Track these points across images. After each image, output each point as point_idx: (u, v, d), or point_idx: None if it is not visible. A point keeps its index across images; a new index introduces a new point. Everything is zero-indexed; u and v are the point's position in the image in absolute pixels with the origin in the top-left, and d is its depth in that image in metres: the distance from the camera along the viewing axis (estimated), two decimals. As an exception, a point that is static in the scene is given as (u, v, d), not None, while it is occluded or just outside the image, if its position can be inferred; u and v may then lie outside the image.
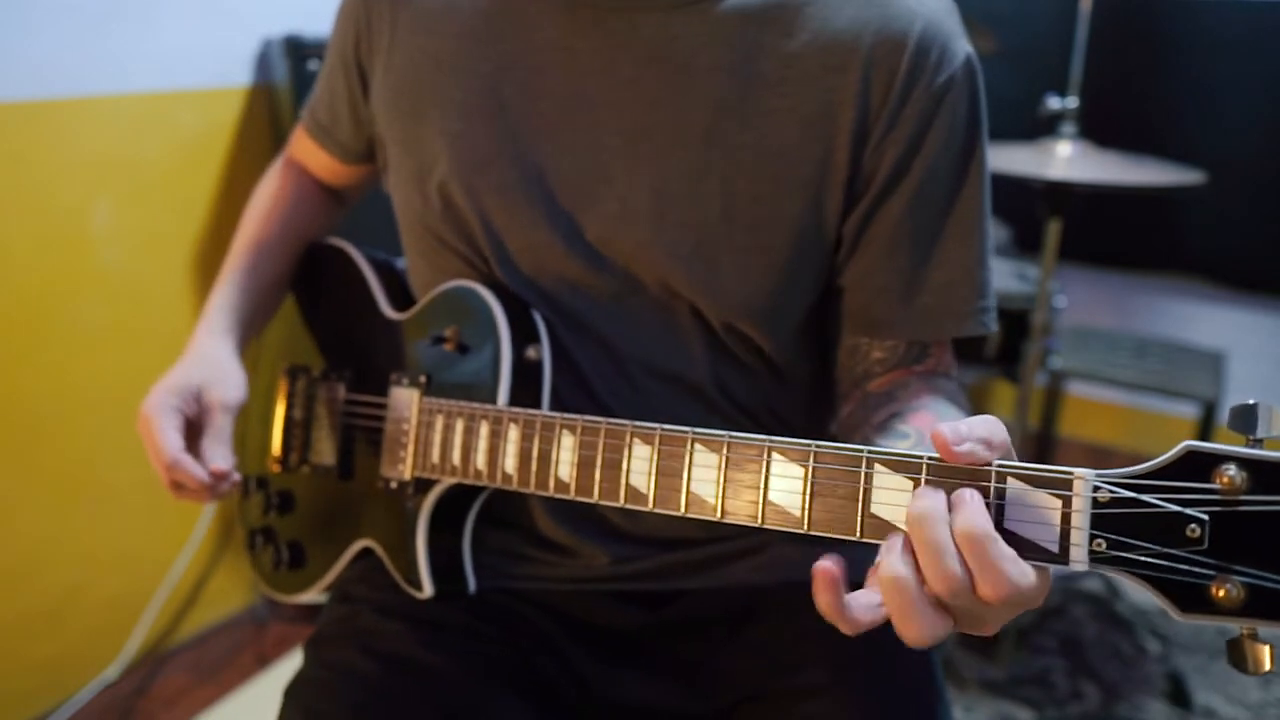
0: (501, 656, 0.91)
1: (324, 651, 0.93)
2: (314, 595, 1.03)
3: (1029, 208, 1.95)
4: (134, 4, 1.68)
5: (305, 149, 1.10)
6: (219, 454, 0.92)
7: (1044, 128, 1.93)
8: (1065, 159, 1.86)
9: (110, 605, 1.84)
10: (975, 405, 3.01)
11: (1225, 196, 2.44)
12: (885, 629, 0.84)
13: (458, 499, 0.91)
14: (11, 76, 1.55)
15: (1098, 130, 1.97)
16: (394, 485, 0.92)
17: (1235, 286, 2.70)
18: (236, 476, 0.92)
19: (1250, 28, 2.50)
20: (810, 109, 0.82)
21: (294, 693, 0.90)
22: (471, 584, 0.93)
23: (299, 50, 1.86)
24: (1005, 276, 2.14)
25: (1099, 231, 2.69)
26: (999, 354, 2.02)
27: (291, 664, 1.93)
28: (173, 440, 0.90)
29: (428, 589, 0.90)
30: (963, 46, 0.83)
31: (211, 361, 0.97)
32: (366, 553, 0.97)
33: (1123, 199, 2.45)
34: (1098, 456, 2.99)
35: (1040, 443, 2.54)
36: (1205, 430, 2.18)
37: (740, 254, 0.84)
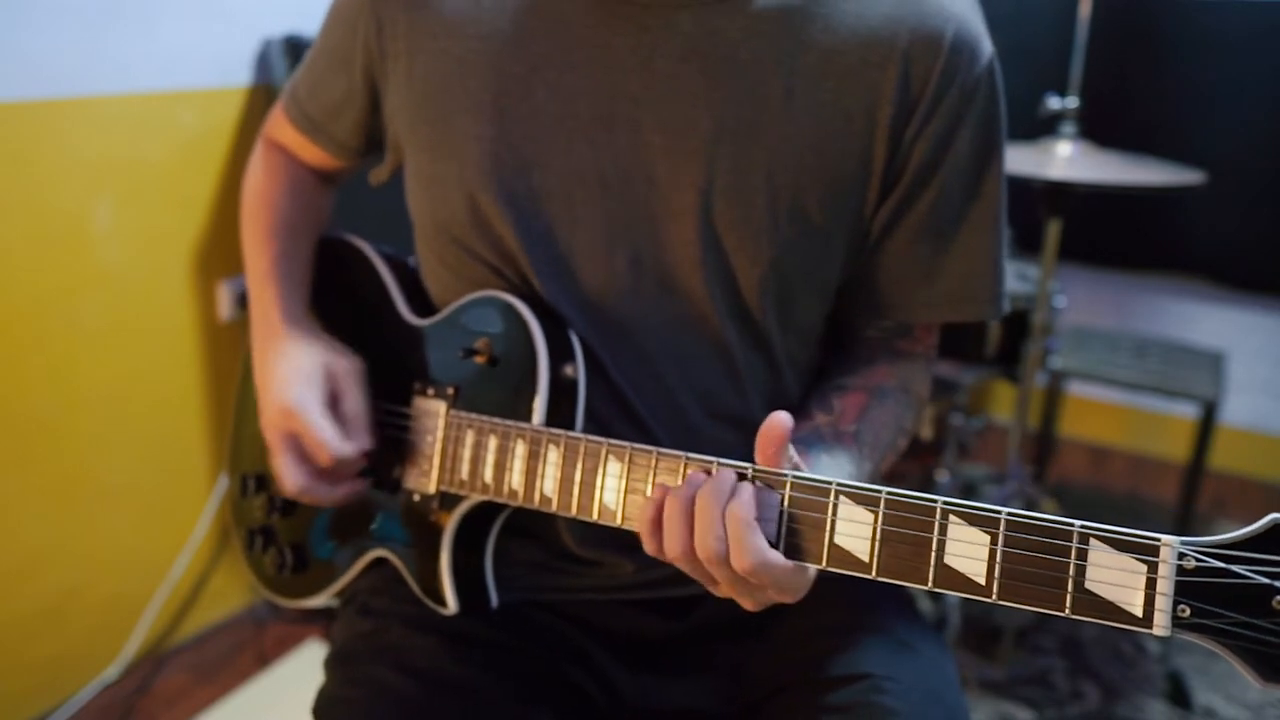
0: (534, 669, 0.90)
1: (354, 669, 0.90)
2: (318, 602, 1.01)
3: (1029, 208, 1.94)
4: (134, 4, 1.68)
5: (292, 139, 1.07)
6: (361, 429, 0.90)
7: (1044, 128, 1.93)
8: (1065, 159, 1.86)
9: (110, 605, 1.84)
10: (975, 405, 3.01)
11: (1225, 196, 2.44)
12: (911, 628, 0.87)
13: (482, 515, 0.89)
14: (11, 76, 1.55)
15: (1098, 130, 1.97)
16: (416, 498, 0.90)
17: (1235, 286, 2.69)
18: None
19: (1250, 28, 2.50)
20: (851, 103, 0.83)
21: (326, 713, 0.88)
22: (494, 599, 0.91)
23: (299, 50, 1.86)
24: (1006, 276, 2.14)
25: (1099, 231, 2.69)
26: (999, 354, 2.02)
27: (292, 664, 1.93)
28: (332, 432, 0.87)
29: (452, 605, 0.88)
30: (988, 46, 0.85)
31: (313, 340, 0.95)
32: (379, 562, 0.95)
33: (1123, 199, 2.46)
34: (1097, 456, 2.99)
35: (1040, 443, 2.54)
36: (1205, 430, 2.18)
37: (783, 249, 0.85)
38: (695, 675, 0.94)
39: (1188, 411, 2.61)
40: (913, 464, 2.17)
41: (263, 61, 1.90)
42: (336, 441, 0.87)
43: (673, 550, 0.71)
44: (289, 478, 0.89)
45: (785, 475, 0.70)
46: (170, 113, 1.78)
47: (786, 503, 0.69)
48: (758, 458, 0.71)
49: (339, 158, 1.05)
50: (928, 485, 2.17)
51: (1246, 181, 2.53)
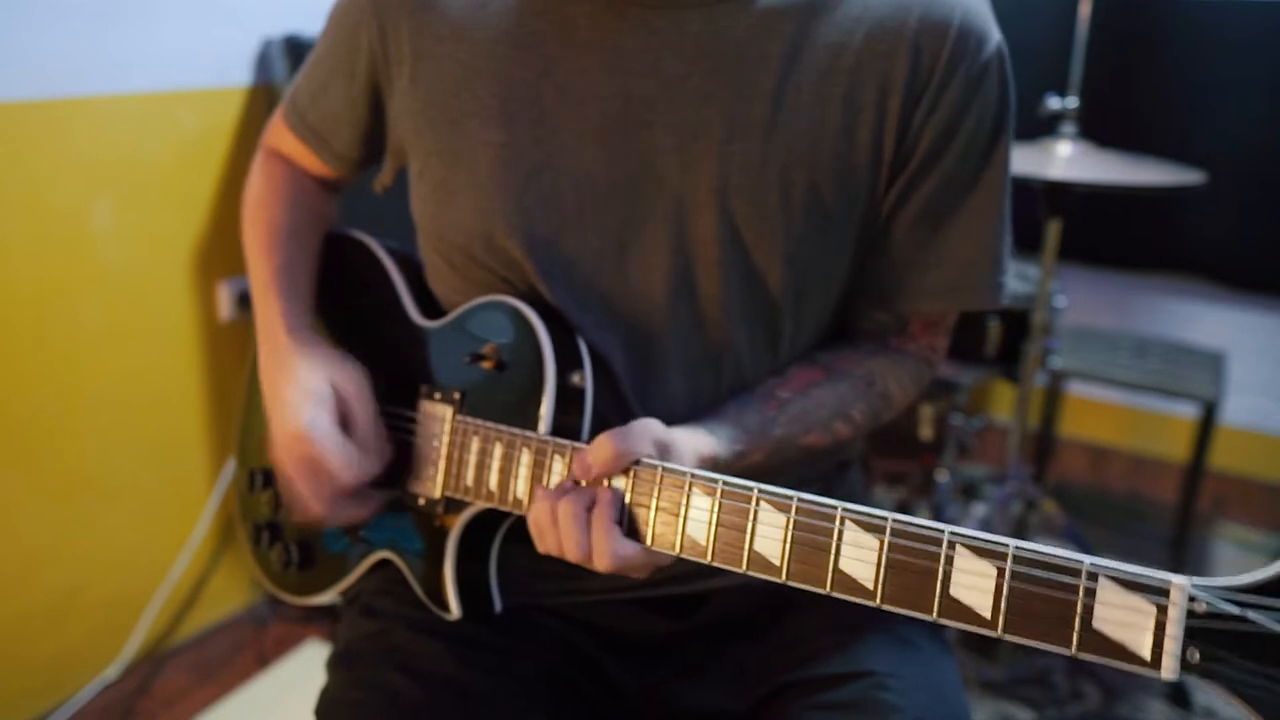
0: (538, 672, 0.90)
1: (358, 670, 0.90)
2: (322, 600, 1.00)
3: (1029, 208, 1.94)
4: (134, 4, 1.68)
5: (293, 147, 1.05)
6: (380, 443, 0.89)
7: (1044, 128, 1.92)
8: (1065, 159, 1.86)
9: (110, 605, 1.84)
10: (975, 405, 3.01)
11: (1225, 196, 2.44)
12: (913, 627, 0.90)
13: (487, 520, 0.88)
14: (11, 76, 1.55)
15: (1098, 130, 1.97)
16: (421, 502, 0.90)
17: (1235, 286, 2.69)
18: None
19: (1250, 28, 2.50)
20: (861, 95, 0.83)
21: (329, 714, 0.88)
22: (498, 605, 0.90)
23: (299, 50, 1.86)
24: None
25: (1099, 231, 2.68)
26: (999, 354, 2.02)
27: (292, 664, 1.93)
28: (351, 454, 0.86)
29: (455, 611, 0.88)
30: (995, 33, 0.86)
31: (317, 356, 0.92)
32: (383, 563, 0.94)
33: (1123, 199, 2.45)
34: (1097, 456, 2.99)
35: (1040, 443, 2.54)
36: (1205, 431, 2.18)
37: (800, 243, 0.85)
38: (699, 675, 0.93)
39: (1188, 411, 2.61)
40: (913, 464, 2.17)
41: (263, 61, 1.90)
42: (357, 463, 0.85)
43: (551, 550, 0.78)
44: (314, 505, 0.87)
45: (791, 497, 0.69)
46: (170, 113, 1.78)
47: (792, 526, 0.69)
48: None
49: (338, 169, 1.04)
50: (928, 485, 2.17)
51: (1246, 181, 2.53)
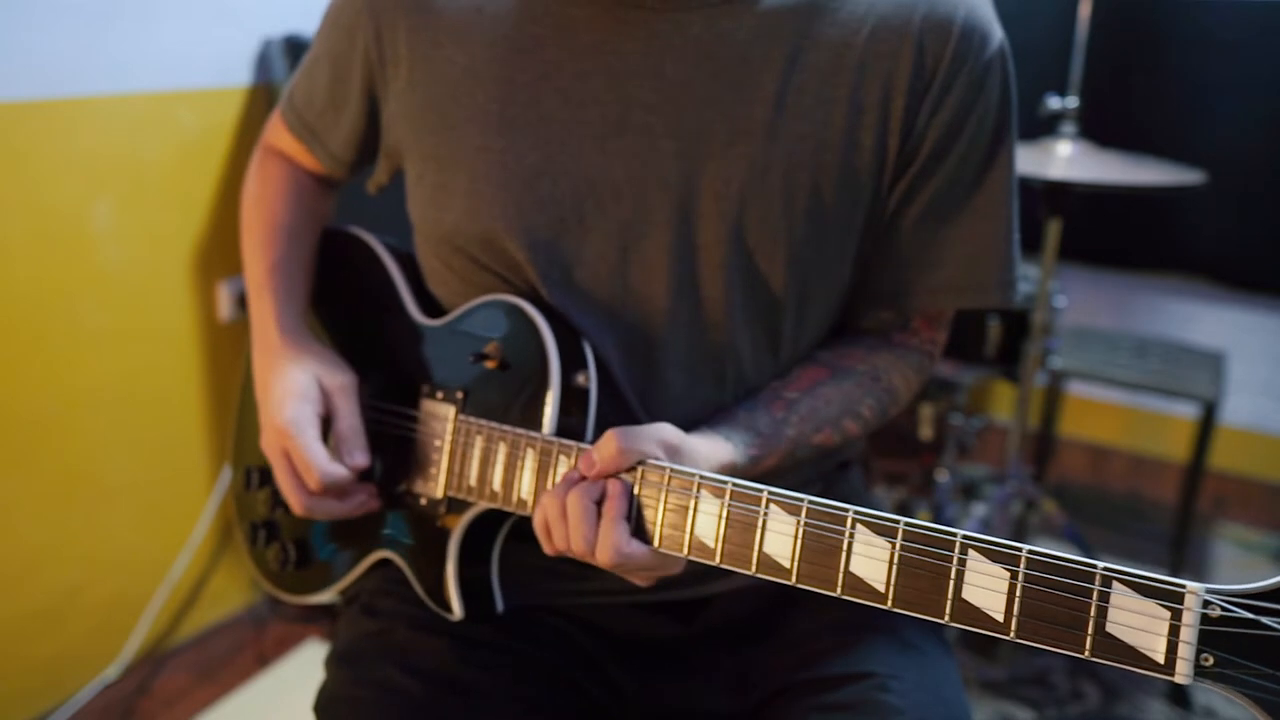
0: (540, 672, 0.90)
1: (358, 668, 0.90)
2: (320, 599, 1.00)
3: (1029, 208, 1.94)
4: (134, 4, 1.68)
5: (290, 145, 1.06)
6: (355, 446, 0.89)
7: (1044, 128, 1.93)
8: (1065, 159, 1.86)
9: (110, 605, 1.84)
10: (975, 405, 3.01)
11: (1225, 196, 2.44)
12: (914, 628, 0.90)
13: (489, 520, 0.88)
14: (11, 76, 1.55)
15: (1098, 130, 1.97)
16: (423, 502, 0.90)
17: (1235, 286, 2.69)
18: (364, 461, 0.89)
19: (1250, 28, 2.50)
20: (865, 96, 0.83)
21: (329, 711, 0.88)
22: (500, 604, 0.90)
23: (299, 50, 1.86)
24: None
25: (1099, 231, 2.68)
26: (999, 354, 2.02)
27: (292, 664, 1.93)
28: (322, 454, 0.86)
29: (458, 611, 0.88)
30: (998, 32, 0.85)
31: (308, 354, 0.93)
32: (383, 563, 0.94)
33: (1123, 199, 2.45)
34: (1097, 456, 2.99)
35: (1040, 443, 2.54)
36: (1205, 431, 2.18)
37: (803, 245, 0.85)
38: (701, 677, 0.93)
39: (1188, 411, 2.61)
40: (913, 464, 2.17)
41: (263, 61, 1.90)
42: (326, 464, 0.86)
43: (558, 545, 0.77)
44: (292, 498, 0.88)
45: (801, 500, 0.69)
46: (170, 113, 1.78)
47: (801, 528, 0.69)
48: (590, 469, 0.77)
49: (333, 168, 1.04)
50: (928, 485, 2.16)
51: (1246, 181, 2.53)
